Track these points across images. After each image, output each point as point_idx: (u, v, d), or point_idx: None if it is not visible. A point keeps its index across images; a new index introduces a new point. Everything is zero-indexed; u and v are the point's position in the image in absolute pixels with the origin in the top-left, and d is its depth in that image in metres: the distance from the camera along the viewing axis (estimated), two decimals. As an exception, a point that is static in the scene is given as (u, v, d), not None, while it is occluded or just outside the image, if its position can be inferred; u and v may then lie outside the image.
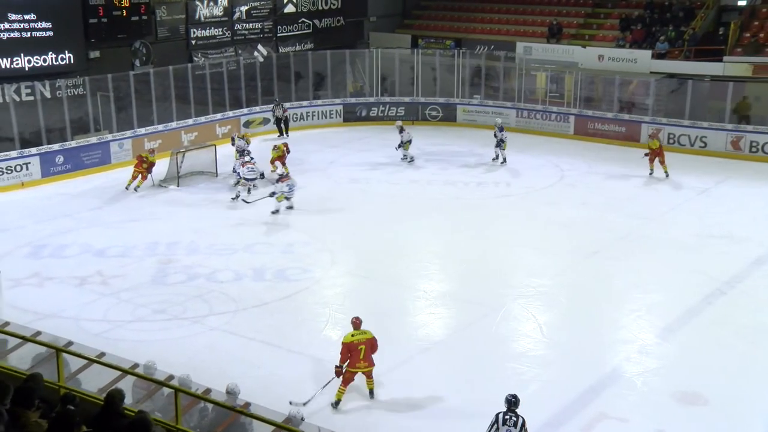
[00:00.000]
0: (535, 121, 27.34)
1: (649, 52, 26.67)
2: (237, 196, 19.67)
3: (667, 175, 21.42)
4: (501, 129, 23.13)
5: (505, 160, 23.08)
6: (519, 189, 21.08)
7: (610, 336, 13.30)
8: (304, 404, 10.45)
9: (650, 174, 21.55)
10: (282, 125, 26.31)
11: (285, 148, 21.99)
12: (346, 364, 10.64)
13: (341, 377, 10.70)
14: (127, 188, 20.43)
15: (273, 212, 18.63)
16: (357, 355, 10.64)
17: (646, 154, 21.71)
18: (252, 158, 20.78)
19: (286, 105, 26.87)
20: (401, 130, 23.23)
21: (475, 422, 10.17)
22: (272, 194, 18.58)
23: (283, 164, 21.62)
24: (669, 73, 26.16)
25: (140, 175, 20.54)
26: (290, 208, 18.92)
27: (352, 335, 10.78)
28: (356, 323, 10.94)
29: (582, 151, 24.76)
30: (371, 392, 11.00)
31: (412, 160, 23.16)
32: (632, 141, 25.22)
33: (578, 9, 30.93)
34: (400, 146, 23.11)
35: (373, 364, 10.81)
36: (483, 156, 23.97)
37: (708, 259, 16.12)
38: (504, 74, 28.44)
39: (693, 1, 28.19)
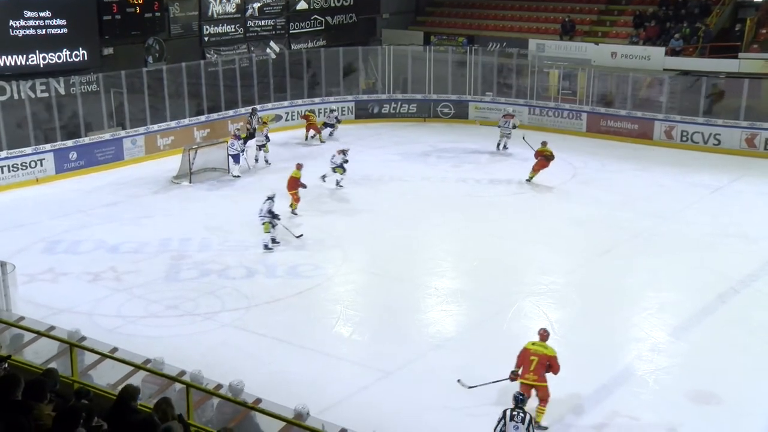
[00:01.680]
0: (548, 118, 27.27)
1: (662, 49, 26.52)
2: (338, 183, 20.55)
3: (529, 180, 20.83)
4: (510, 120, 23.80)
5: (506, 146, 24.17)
6: (531, 186, 21.02)
7: (622, 334, 13.27)
8: (470, 387, 10.63)
9: (527, 180, 20.85)
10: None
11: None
12: (519, 370, 10.25)
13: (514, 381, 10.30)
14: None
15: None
16: (528, 365, 10.19)
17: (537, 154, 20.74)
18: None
19: (299, 102, 26.96)
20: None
21: (486, 418, 10.19)
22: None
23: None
24: (683, 70, 26.01)
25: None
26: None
27: (533, 344, 10.41)
28: (543, 335, 10.55)
29: (594, 148, 24.69)
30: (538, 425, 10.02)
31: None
32: (645, 138, 25.13)
33: (591, 6, 30.79)
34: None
35: (543, 382, 10.19)
36: (495, 153, 23.97)
37: (722, 258, 16.04)
38: (516, 71, 28.39)
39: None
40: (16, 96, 21.27)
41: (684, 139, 24.70)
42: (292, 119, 27.39)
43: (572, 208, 19.19)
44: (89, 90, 22.89)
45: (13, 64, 21.78)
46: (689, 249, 16.51)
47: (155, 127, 23.81)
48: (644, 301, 14.41)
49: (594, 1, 30.96)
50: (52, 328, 9.72)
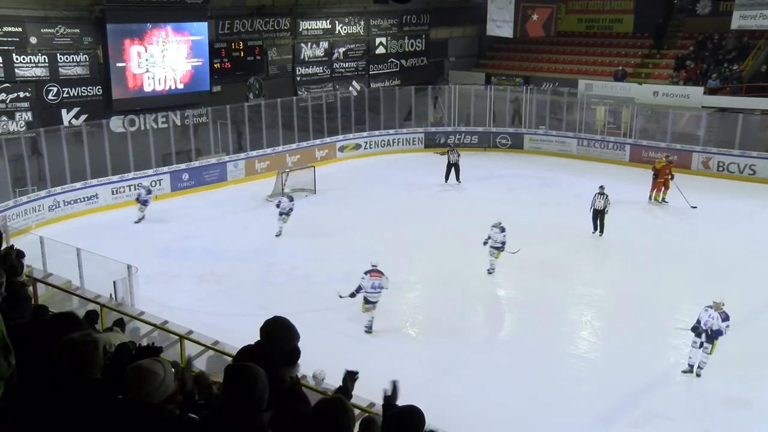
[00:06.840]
0: (594, 149, 26.72)
1: (701, 89, 25.69)
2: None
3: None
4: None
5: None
6: (579, 209, 20.47)
7: (660, 342, 12.84)
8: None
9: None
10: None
11: None
12: None
13: None
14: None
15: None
16: None
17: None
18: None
19: (376, 133, 27.24)
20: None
21: (538, 409, 10.00)
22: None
23: None
24: (720, 108, 25.14)
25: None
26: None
27: None
28: None
29: (636, 176, 24.02)
30: None
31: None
32: (683, 168, 24.35)
33: (636, 50, 30.10)
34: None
35: None
36: (546, 179, 23.59)
37: (753, 276, 15.37)
38: (567, 107, 27.96)
39: (744, 43, 27.03)
40: (142, 127, 22.10)
41: (720, 169, 23.83)
42: (370, 148, 27.63)
43: (615, 229, 18.67)
44: (200, 121, 23.56)
45: (139, 100, 22.70)
46: (723, 267, 15.87)
47: (254, 153, 24.34)
48: (680, 313, 13.87)
49: (638, 46, 30.27)
50: (165, 322, 9.98)
